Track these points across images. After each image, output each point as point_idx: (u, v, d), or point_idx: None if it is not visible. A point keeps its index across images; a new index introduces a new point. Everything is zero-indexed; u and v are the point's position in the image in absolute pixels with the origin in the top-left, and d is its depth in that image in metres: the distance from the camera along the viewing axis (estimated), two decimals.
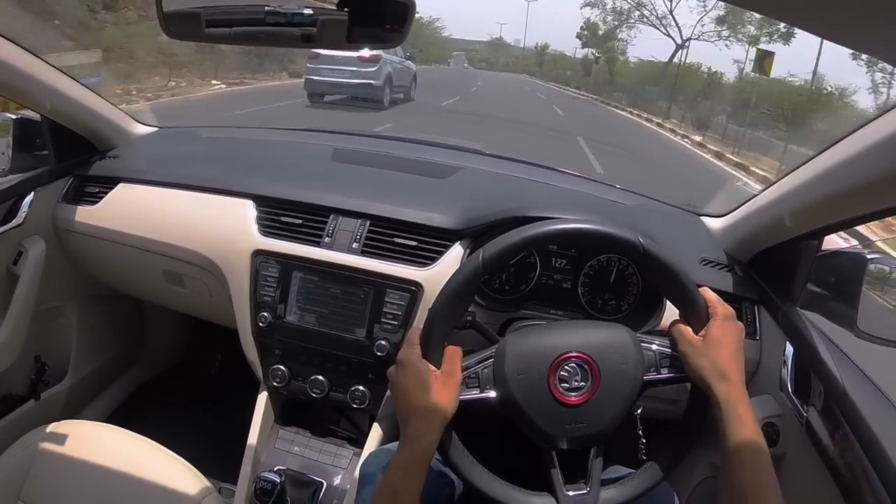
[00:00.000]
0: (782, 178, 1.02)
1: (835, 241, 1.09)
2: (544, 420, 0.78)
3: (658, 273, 0.80)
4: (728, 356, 0.77)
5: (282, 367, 1.21)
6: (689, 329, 0.80)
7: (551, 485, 0.80)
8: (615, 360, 0.79)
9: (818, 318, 1.01)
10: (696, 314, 0.80)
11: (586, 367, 0.79)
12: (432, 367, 0.78)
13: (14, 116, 1.28)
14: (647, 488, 0.81)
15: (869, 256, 0.98)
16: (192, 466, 1.08)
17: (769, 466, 0.72)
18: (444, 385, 0.77)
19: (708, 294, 0.81)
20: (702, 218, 1.32)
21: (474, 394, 0.79)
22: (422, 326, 0.80)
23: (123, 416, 1.69)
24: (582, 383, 0.78)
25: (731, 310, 0.81)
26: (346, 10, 0.67)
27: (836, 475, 0.84)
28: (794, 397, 0.98)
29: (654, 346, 0.81)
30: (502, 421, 0.81)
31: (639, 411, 0.84)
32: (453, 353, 0.80)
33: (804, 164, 0.94)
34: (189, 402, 1.78)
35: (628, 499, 0.81)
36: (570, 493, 0.79)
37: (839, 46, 0.46)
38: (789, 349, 1.02)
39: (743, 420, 0.73)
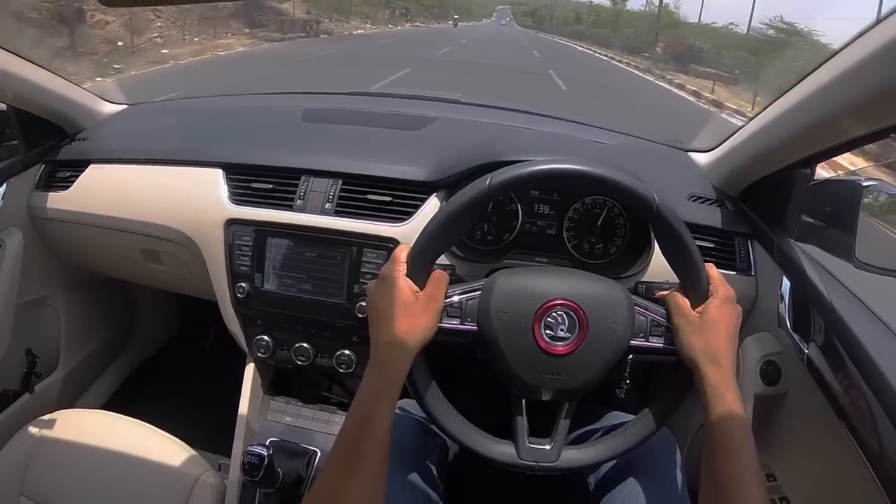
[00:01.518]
0: (768, 106, 0.98)
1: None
2: (521, 364, 0.76)
3: (667, 236, 0.77)
4: (722, 340, 0.74)
5: (265, 337, 1.19)
6: (687, 303, 0.77)
7: (514, 433, 0.78)
8: (605, 316, 0.76)
9: (815, 251, 0.98)
10: (696, 288, 0.77)
11: (574, 317, 0.76)
12: (415, 288, 0.74)
13: None
14: (612, 455, 0.80)
15: (865, 184, 0.94)
16: (188, 447, 1.07)
17: (753, 459, 0.69)
18: (424, 308, 0.74)
19: (712, 271, 0.79)
20: (689, 153, 1.28)
21: (454, 324, 0.77)
22: (411, 245, 0.76)
23: (121, 401, 1.69)
24: (567, 334, 0.75)
25: (732, 291, 0.78)
26: None
27: (841, 411, 0.81)
28: (793, 333, 0.95)
29: (647, 313, 0.79)
30: (479, 364, 0.79)
31: (630, 356, 0.81)
32: (439, 276, 0.77)
33: (790, 89, 0.89)
34: (186, 378, 1.78)
35: (591, 463, 0.80)
36: (532, 446, 0.77)
37: None
38: (786, 284, 0.99)
39: (731, 408, 0.71)
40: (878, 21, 0.68)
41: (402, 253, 0.76)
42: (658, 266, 1.02)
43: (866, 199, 0.93)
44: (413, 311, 0.73)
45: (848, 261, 0.89)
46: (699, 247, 1.05)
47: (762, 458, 0.99)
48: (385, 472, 0.69)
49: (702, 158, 1.24)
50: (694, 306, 0.77)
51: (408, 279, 0.74)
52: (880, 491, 0.72)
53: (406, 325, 0.72)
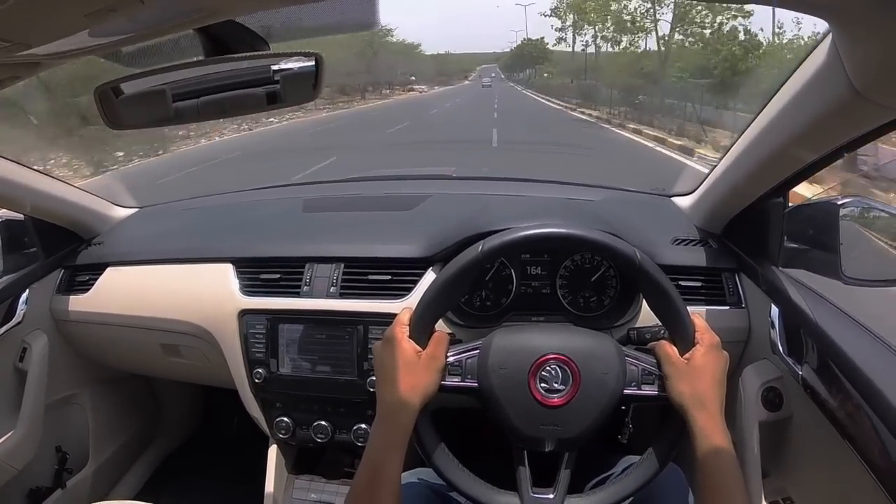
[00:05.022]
0: (733, 143, 1.03)
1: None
2: (519, 416, 0.80)
3: (652, 290, 0.82)
4: (709, 384, 0.78)
5: (285, 418, 1.24)
6: (675, 351, 0.81)
7: (518, 484, 0.81)
8: (597, 368, 0.81)
9: (803, 274, 1.01)
10: (683, 337, 0.81)
11: (567, 370, 0.80)
12: (417, 348, 0.79)
13: None
14: (617, 499, 0.82)
15: (840, 202, 0.97)
16: None
17: (742, 496, 0.74)
18: (426, 367, 0.79)
19: (697, 320, 0.83)
20: (672, 198, 1.33)
21: (456, 381, 0.82)
22: (414, 307, 0.82)
23: (151, 492, 1.71)
24: (561, 386, 0.80)
25: (717, 338, 0.82)
26: (313, 60, 0.67)
27: (840, 427, 0.84)
28: (787, 358, 0.98)
29: (638, 362, 0.83)
30: (482, 419, 0.82)
31: (630, 404, 0.84)
32: (440, 338, 0.82)
33: (747, 127, 0.96)
34: (213, 465, 1.81)
35: None
36: (535, 496, 0.80)
37: None
38: (775, 310, 1.02)
39: (719, 449, 0.75)
40: (804, 59, 0.75)
41: (405, 315, 0.82)
42: (649, 311, 1.06)
43: (844, 217, 0.97)
44: (416, 369, 0.78)
45: (836, 278, 0.92)
46: (687, 287, 1.11)
47: (778, 483, 1.00)
48: None
49: (683, 202, 1.29)
50: (681, 354, 0.80)
51: (411, 340, 0.80)
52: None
53: (410, 383, 0.77)
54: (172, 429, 1.91)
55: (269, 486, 1.27)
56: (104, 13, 0.46)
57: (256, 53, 0.65)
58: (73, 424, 1.55)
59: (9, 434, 1.30)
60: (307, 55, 0.69)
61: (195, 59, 0.66)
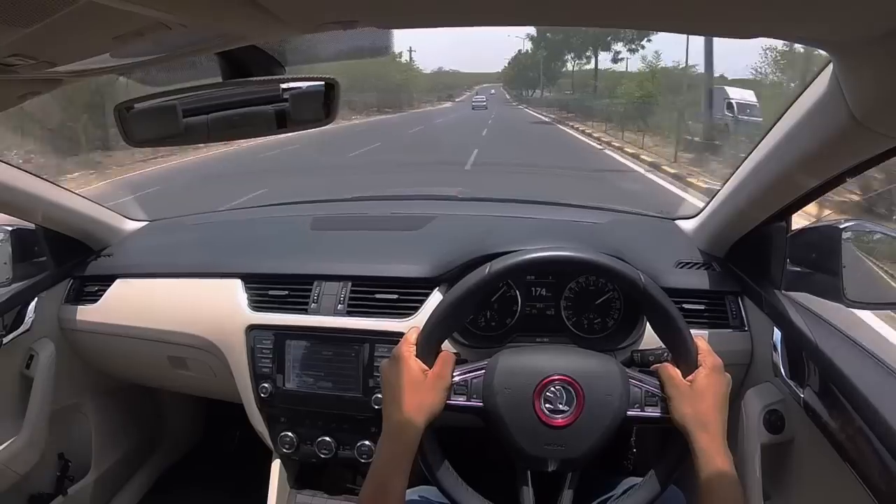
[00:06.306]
0: (737, 168, 1.05)
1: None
2: (523, 436, 0.81)
3: (655, 313, 0.83)
4: (711, 406, 0.79)
5: (289, 433, 1.24)
6: (679, 373, 0.82)
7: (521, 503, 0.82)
8: (601, 389, 0.82)
9: (806, 297, 1.01)
10: (686, 359, 0.82)
11: (571, 391, 0.81)
12: (424, 367, 0.81)
13: (10, 228, 1.33)
14: None
15: (842, 226, 0.98)
16: None
17: None
18: (432, 386, 0.80)
19: (701, 343, 0.84)
20: (676, 221, 1.35)
21: (461, 401, 0.83)
22: (421, 327, 0.83)
23: (151, 503, 1.72)
24: (566, 407, 0.81)
25: (720, 361, 0.83)
26: (322, 82, 0.69)
27: (842, 450, 0.84)
28: (789, 381, 0.99)
29: (642, 384, 0.84)
30: (486, 440, 0.84)
31: (633, 427, 0.85)
32: (447, 357, 0.83)
33: (749, 153, 0.98)
34: (214, 478, 1.81)
35: None
36: None
37: None
38: (777, 334, 1.03)
39: (720, 471, 0.75)
40: (806, 87, 0.77)
41: (412, 335, 0.84)
42: (652, 334, 1.07)
43: (846, 240, 0.98)
44: (422, 388, 0.80)
45: (839, 301, 0.93)
46: (691, 310, 1.12)
47: None
48: None
49: (687, 225, 1.31)
50: (684, 376, 0.81)
51: (417, 359, 0.81)
52: None
53: (416, 402, 0.79)
54: (175, 440, 1.91)
55: (271, 500, 1.27)
56: (131, 36, 0.48)
57: (273, 77, 0.67)
58: (77, 432, 1.56)
59: (13, 439, 1.32)
60: (321, 79, 0.70)
61: (213, 80, 0.68)
